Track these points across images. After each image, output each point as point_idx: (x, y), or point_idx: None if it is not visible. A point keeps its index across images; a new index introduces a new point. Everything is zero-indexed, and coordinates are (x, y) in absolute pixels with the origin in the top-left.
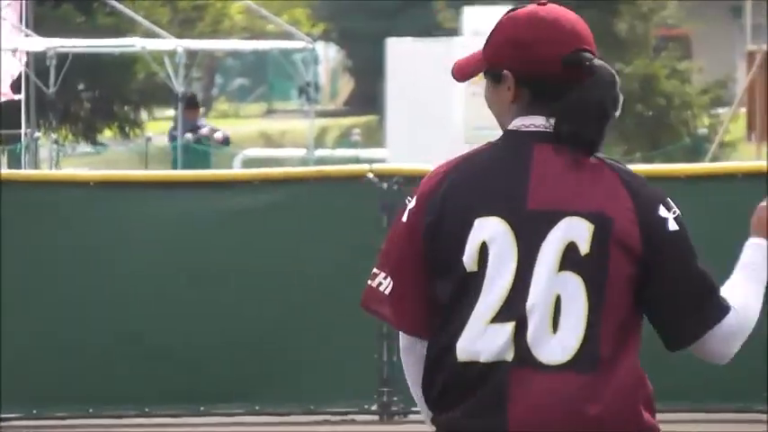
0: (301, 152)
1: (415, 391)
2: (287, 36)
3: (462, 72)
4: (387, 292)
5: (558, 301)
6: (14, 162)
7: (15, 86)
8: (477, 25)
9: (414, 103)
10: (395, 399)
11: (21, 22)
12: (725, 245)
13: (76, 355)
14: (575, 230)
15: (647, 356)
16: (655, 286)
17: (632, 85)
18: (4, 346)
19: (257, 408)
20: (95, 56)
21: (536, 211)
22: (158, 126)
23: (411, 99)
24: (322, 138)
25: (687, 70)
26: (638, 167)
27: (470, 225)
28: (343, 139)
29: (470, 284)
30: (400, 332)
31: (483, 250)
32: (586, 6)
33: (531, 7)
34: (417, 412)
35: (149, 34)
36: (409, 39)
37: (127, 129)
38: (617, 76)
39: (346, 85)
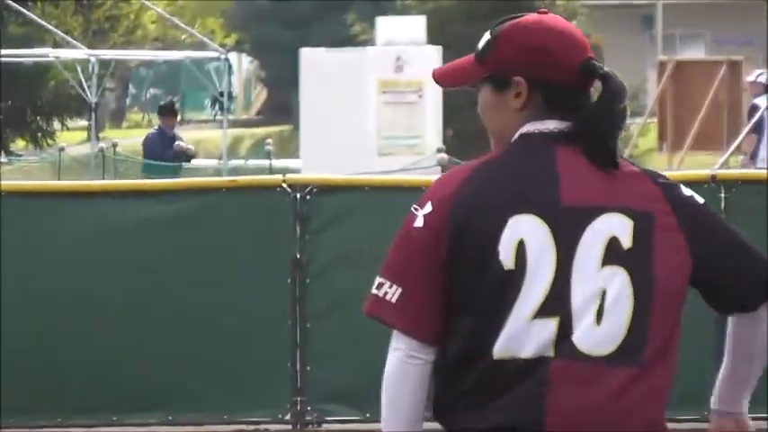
0: (214, 162)
1: (398, 401)
2: (200, 46)
3: (451, 78)
4: (393, 300)
5: (603, 294)
6: None
7: None
8: (391, 35)
9: (327, 113)
10: (308, 408)
11: None
12: None
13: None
14: (614, 226)
15: None
16: (707, 261)
17: None
18: None
19: (170, 418)
20: (7, 65)
21: (571, 207)
22: (72, 136)
23: (324, 109)
24: (235, 147)
25: None
26: None
27: (504, 223)
28: (257, 149)
29: (509, 282)
30: (400, 340)
31: (521, 248)
32: (494, 14)
33: (537, 16)
34: (330, 422)
35: (62, 44)
36: (322, 49)
37: (39, 138)
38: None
39: (260, 95)
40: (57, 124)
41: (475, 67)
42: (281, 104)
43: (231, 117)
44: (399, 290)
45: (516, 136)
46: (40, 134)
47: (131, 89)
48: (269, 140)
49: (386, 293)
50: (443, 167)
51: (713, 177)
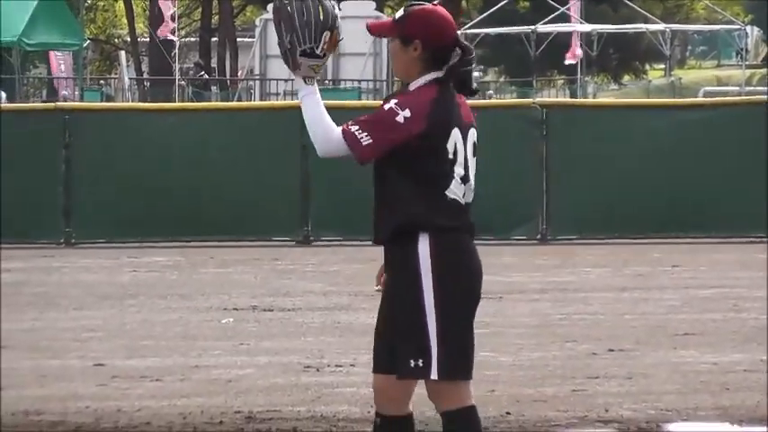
0: (735, 89)
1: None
2: (729, 22)
3: (376, 31)
4: (363, 144)
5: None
6: None
7: None
8: None
9: None
10: None
11: None
12: None
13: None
14: (474, 135)
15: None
16: None
17: None
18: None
19: None
20: (616, 33)
21: (465, 123)
22: (654, 73)
23: None
24: (749, 80)
25: None
26: None
27: (450, 131)
28: (761, 81)
29: (450, 163)
30: (347, 146)
31: (456, 146)
32: None
33: (432, 6)
34: None
35: (647, 20)
36: None
37: (638, 73)
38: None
39: (762, 51)
40: (647, 66)
41: (393, 27)
42: None
43: (747, 62)
44: (370, 141)
45: (431, 79)
46: (638, 72)
47: (689, 46)
48: None
49: (361, 138)
50: None
51: None
